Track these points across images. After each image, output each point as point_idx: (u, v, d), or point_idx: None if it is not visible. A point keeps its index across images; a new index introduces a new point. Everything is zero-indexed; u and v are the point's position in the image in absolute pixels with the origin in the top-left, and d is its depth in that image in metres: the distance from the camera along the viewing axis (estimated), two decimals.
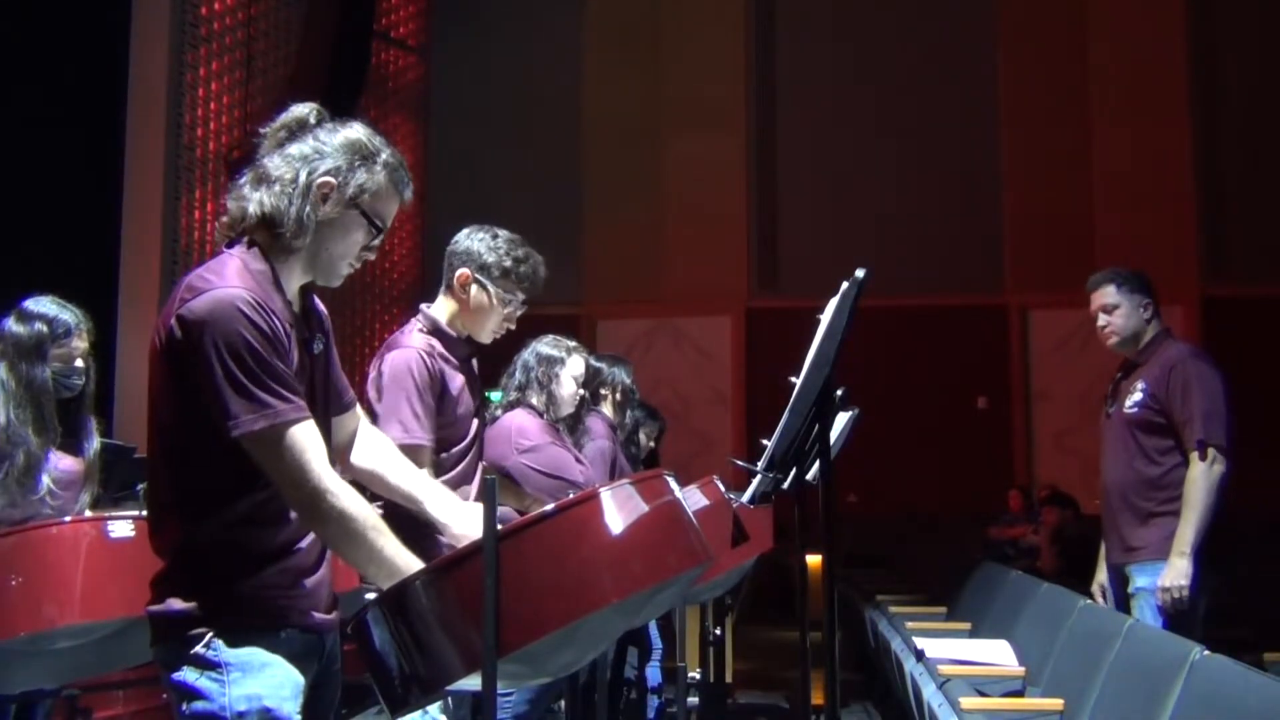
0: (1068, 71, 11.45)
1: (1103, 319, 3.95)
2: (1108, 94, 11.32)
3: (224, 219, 2.02)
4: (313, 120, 2.04)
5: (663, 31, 11.99)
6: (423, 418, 2.75)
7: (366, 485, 2.35)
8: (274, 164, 1.99)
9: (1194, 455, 3.66)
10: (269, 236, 1.98)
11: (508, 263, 2.91)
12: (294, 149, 2.00)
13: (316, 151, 1.99)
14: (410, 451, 2.60)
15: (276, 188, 1.97)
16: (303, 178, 1.97)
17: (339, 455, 2.26)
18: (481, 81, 11.78)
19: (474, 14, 11.89)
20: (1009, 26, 11.62)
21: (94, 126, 8.07)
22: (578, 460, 3.88)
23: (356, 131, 2.04)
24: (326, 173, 1.99)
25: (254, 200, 1.98)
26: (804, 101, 11.85)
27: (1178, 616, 3.58)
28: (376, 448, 2.33)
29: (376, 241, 2.07)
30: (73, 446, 3.19)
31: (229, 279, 1.90)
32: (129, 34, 8.54)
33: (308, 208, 1.97)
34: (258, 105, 9.30)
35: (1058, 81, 11.45)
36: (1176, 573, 3.59)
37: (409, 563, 1.90)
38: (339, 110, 2.15)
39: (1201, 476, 3.63)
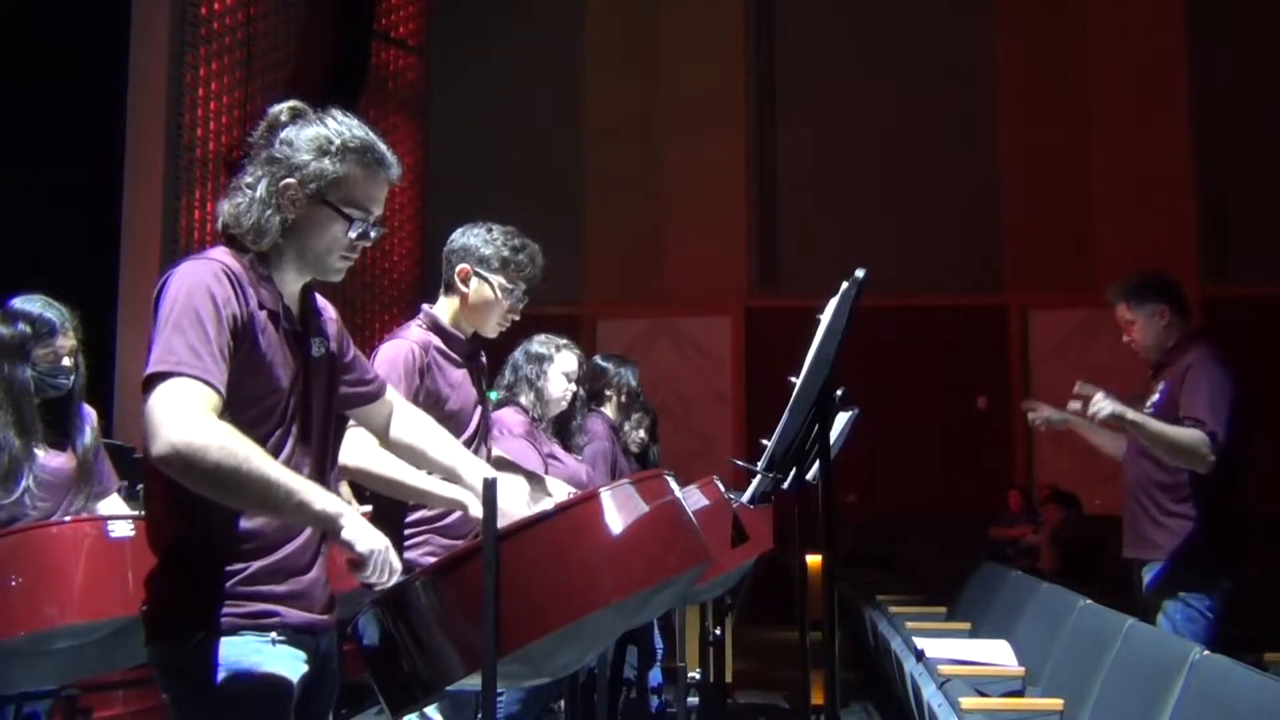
0: (1068, 71, 11.44)
1: (1125, 335, 4.04)
2: (1108, 94, 11.31)
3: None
4: (284, 119, 2.04)
5: (663, 31, 11.98)
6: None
7: (407, 460, 2.42)
8: (247, 172, 2.03)
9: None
10: (236, 240, 2.00)
11: (506, 253, 2.93)
12: (266, 154, 2.02)
13: (282, 154, 2.00)
14: None
15: (238, 198, 2.00)
16: (263, 185, 1.99)
17: (378, 436, 2.37)
18: (481, 81, 11.77)
19: (474, 14, 11.88)
20: (1008, 27, 11.60)
21: (94, 126, 8.06)
22: (552, 456, 3.85)
23: (323, 124, 2.02)
24: (289, 174, 1.99)
25: (223, 213, 2.02)
26: (803, 101, 11.84)
27: (1192, 623, 3.60)
28: (415, 423, 2.40)
29: (370, 232, 2.04)
30: (64, 443, 3.16)
31: (213, 254, 1.97)
32: (129, 34, 8.53)
33: (268, 212, 1.98)
34: (258, 105, 9.28)
35: (1058, 82, 11.43)
36: (1109, 405, 3.60)
37: (317, 492, 1.83)
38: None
39: (1189, 434, 3.62)
